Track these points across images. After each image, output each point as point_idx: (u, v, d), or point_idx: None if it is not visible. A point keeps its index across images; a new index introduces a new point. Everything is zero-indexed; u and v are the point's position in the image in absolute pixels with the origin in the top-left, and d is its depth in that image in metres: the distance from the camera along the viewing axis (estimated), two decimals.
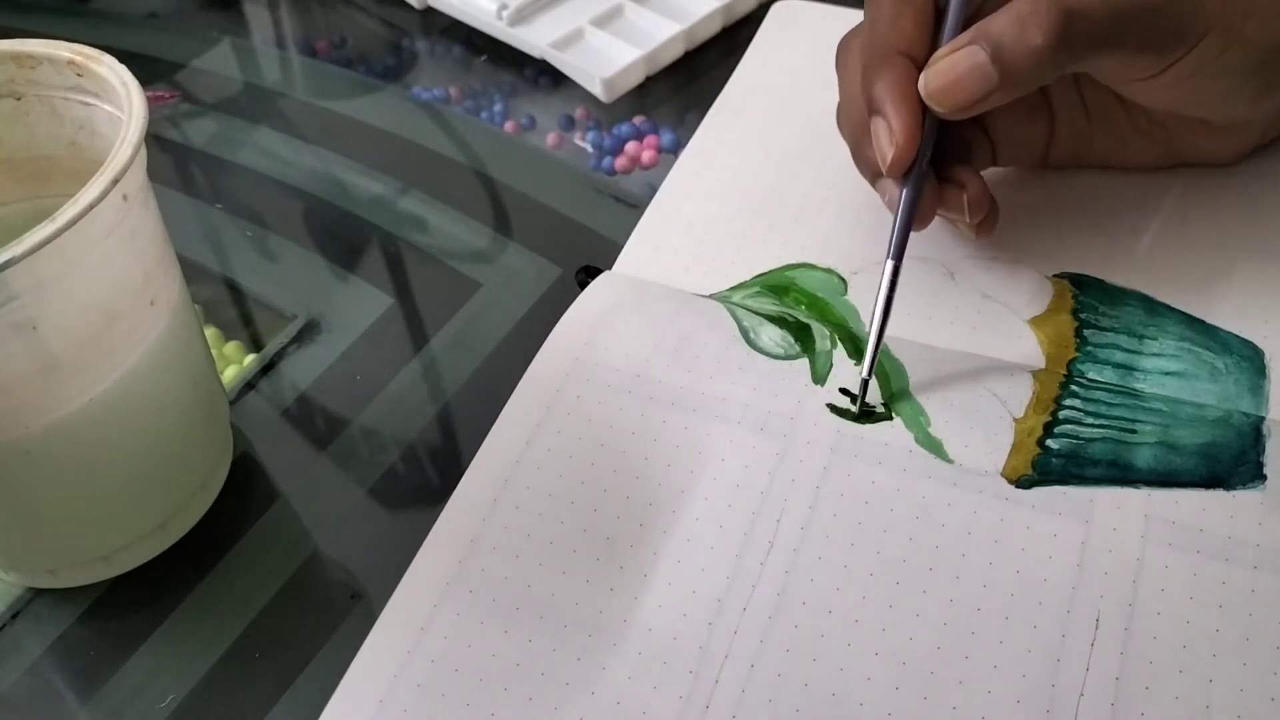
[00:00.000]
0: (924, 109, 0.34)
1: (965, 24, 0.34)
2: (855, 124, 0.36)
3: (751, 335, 0.36)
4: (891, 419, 0.34)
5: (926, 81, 0.33)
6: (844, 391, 0.34)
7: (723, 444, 0.34)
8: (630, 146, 0.47)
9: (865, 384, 0.34)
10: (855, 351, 0.36)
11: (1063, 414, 0.33)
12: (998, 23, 0.32)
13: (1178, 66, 0.33)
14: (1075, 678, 0.28)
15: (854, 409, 0.34)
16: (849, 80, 0.37)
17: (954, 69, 0.33)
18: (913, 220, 0.34)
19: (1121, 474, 0.32)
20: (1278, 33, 0.33)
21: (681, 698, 0.29)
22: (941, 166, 0.36)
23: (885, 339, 0.36)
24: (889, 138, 0.34)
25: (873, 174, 0.36)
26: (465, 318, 0.40)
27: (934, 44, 0.35)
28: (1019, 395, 0.34)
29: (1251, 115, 0.37)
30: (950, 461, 0.33)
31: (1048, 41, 0.32)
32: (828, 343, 0.36)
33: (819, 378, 0.35)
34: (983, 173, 0.37)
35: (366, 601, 0.32)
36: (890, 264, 0.34)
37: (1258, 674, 0.28)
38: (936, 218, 0.36)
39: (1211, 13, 0.32)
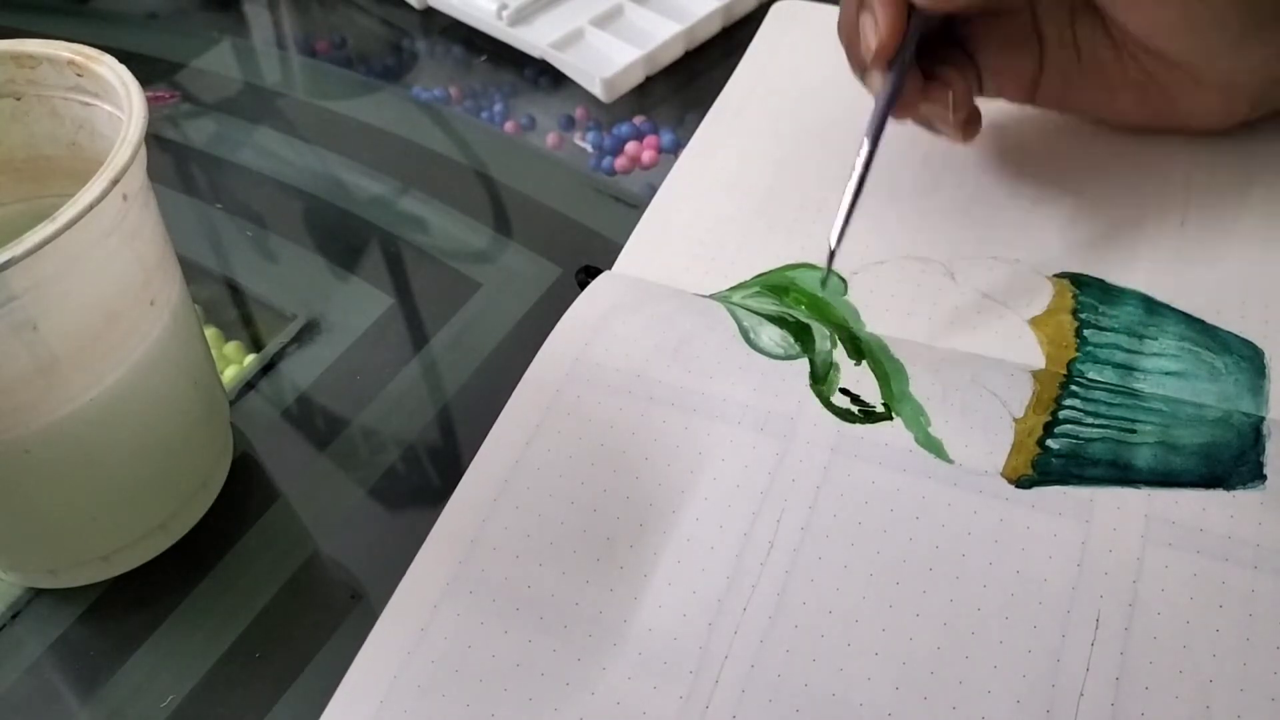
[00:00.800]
0: (909, 10, 0.36)
1: None
2: (849, 25, 0.38)
3: (751, 335, 0.36)
4: (891, 419, 0.34)
5: None
6: (844, 392, 0.34)
7: (723, 444, 0.34)
8: (630, 146, 0.47)
9: (832, 253, 0.36)
10: (855, 351, 0.36)
11: (1063, 414, 0.33)
12: None
13: None
14: (1075, 678, 0.28)
15: (854, 410, 0.34)
16: None
17: None
18: (892, 105, 0.37)
19: (1121, 474, 0.32)
20: None
21: (681, 698, 0.29)
22: (929, 71, 0.38)
23: (885, 339, 0.36)
24: (874, 29, 0.36)
25: (861, 70, 0.38)
26: (465, 318, 0.40)
27: None
28: (1019, 395, 0.34)
29: (1236, 66, 0.37)
30: (950, 461, 0.33)
31: None
32: (828, 343, 0.36)
33: (819, 378, 0.35)
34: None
35: (366, 601, 0.32)
36: (866, 143, 0.36)
37: (1258, 674, 0.28)
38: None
39: None
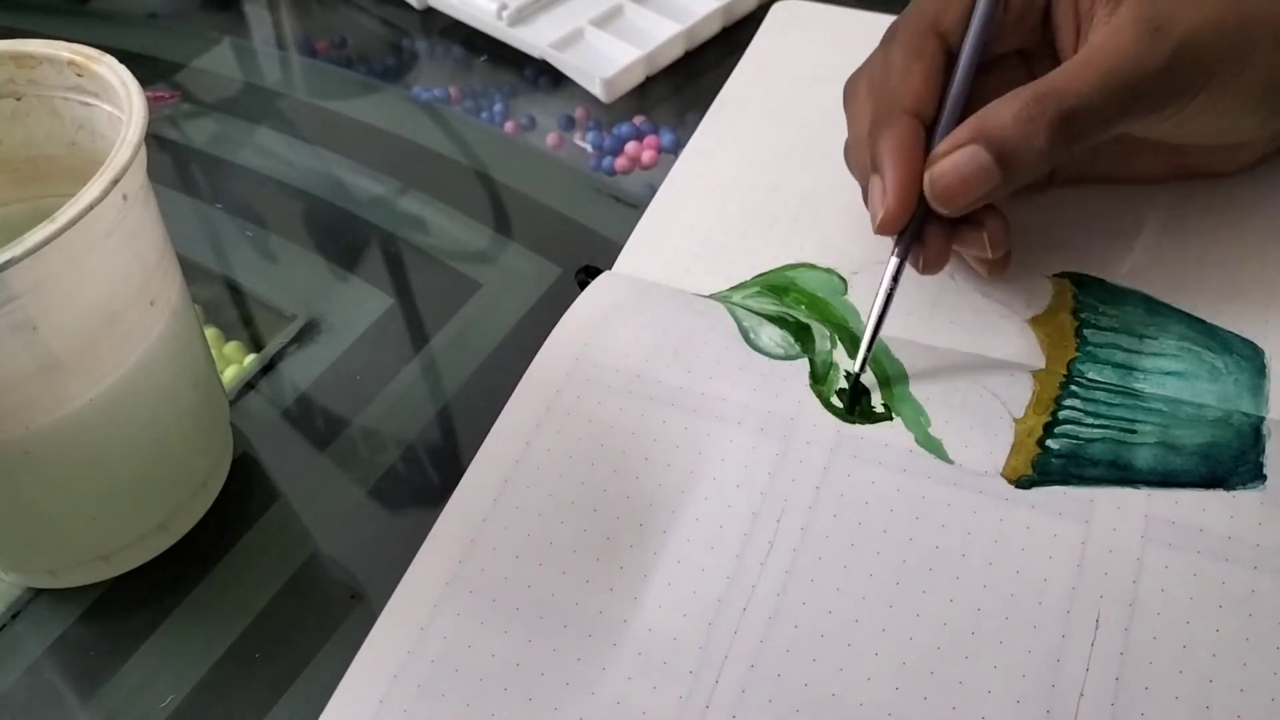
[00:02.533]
0: (922, 171, 0.33)
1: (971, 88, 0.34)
2: (864, 170, 0.36)
3: (751, 335, 0.36)
4: (891, 419, 0.34)
5: (931, 183, 0.33)
6: (841, 393, 0.34)
7: (723, 444, 0.34)
8: (630, 146, 0.47)
9: (857, 376, 0.34)
10: (855, 352, 0.36)
11: (1063, 414, 0.33)
12: (998, 122, 0.32)
13: (1196, 102, 0.33)
14: (1075, 678, 0.28)
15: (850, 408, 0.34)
16: (857, 123, 0.36)
17: (957, 171, 0.32)
18: (896, 286, 0.34)
19: (1121, 474, 0.32)
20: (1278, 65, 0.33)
21: (681, 698, 0.29)
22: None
23: (885, 339, 0.36)
24: (882, 199, 0.33)
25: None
26: (465, 318, 0.40)
27: (943, 99, 0.34)
28: (1019, 395, 0.34)
29: (1259, 135, 0.37)
30: (950, 461, 0.33)
31: (1051, 141, 0.32)
32: (828, 343, 0.36)
33: (819, 378, 0.35)
34: None
35: (366, 601, 0.32)
36: (889, 284, 0.34)
37: (1258, 674, 0.28)
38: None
39: (1212, 59, 0.32)
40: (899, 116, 0.34)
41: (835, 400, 0.34)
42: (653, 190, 0.43)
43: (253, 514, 0.35)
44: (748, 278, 0.39)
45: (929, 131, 0.34)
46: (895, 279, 0.34)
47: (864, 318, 0.37)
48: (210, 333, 0.42)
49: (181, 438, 0.33)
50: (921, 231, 0.34)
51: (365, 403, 0.37)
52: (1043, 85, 0.32)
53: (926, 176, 0.33)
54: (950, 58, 0.35)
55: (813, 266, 0.39)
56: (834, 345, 0.36)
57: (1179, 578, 0.30)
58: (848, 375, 0.35)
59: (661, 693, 0.29)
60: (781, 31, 0.50)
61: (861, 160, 0.36)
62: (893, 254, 0.34)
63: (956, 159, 0.32)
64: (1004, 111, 0.32)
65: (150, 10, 0.58)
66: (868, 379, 0.35)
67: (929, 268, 0.35)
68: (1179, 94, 0.33)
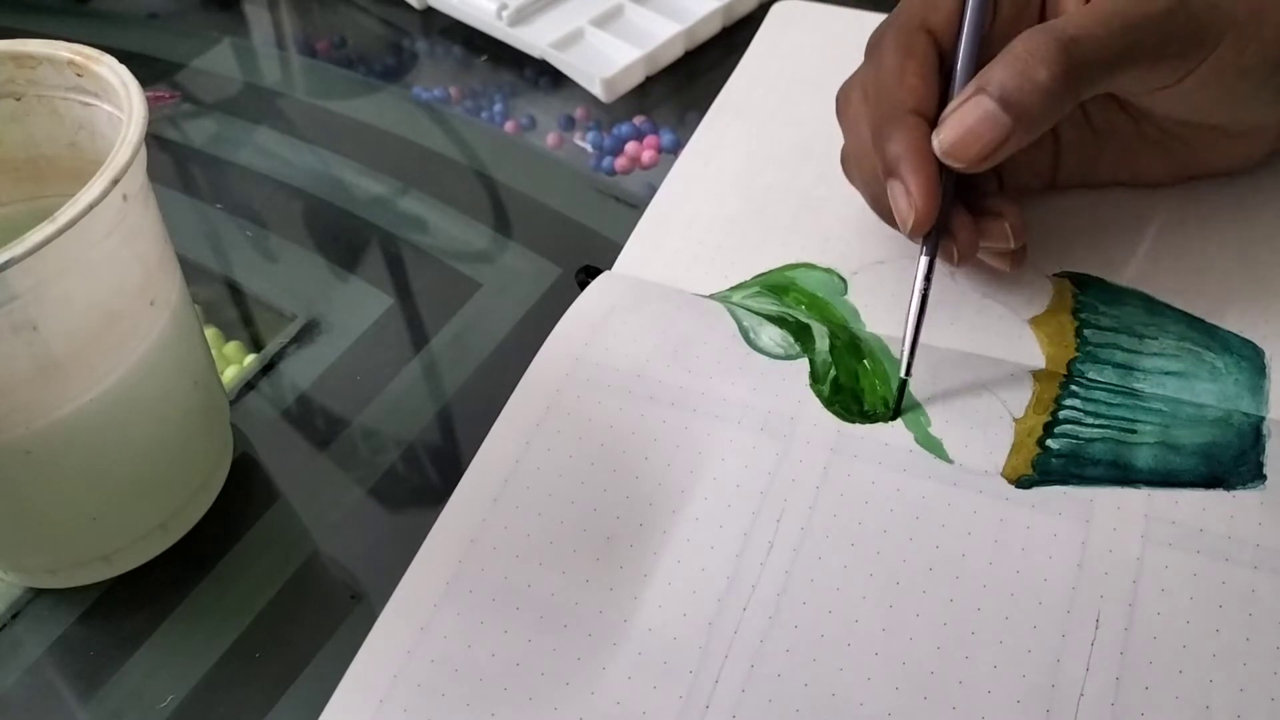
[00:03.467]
0: (940, 167, 0.33)
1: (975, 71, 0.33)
2: (870, 178, 0.35)
3: (751, 335, 0.36)
4: (891, 419, 0.34)
5: (940, 141, 0.32)
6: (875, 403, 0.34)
7: (723, 444, 0.34)
8: (630, 146, 0.47)
9: (904, 383, 0.33)
10: (854, 351, 0.36)
11: (1063, 414, 0.33)
12: (998, 68, 0.32)
13: (1199, 71, 0.32)
14: (1075, 678, 0.28)
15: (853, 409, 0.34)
16: (856, 132, 0.36)
17: (963, 122, 0.32)
18: (929, 286, 0.34)
19: (1121, 474, 0.32)
20: None
21: (681, 698, 0.29)
22: (972, 201, 0.35)
23: (884, 338, 0.36)
24: (908, 201, 0.33)
25: (896, 222, 0.35)
26: (465, 318, 0.40)
27: (944, 97, 0.34)
28: (1019, 395, 0.34)
29: (1268, 119, 0.36)
30: (950, 461, 0.33)
31: (1054, 75, 0.31)
32: (827, 343, 0.36)
33: (819, 378, 0.35)
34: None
35: (366, 601, 0.32)
36: (921, 285, 0.34)
37: (1258, 674, 0.28)
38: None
39: (1226, 12, 0.31)
40: (904, 118, 0.33)
41: (880, 407, 0.34)
42: (653, 190, 0.43)
43: (253, 514, 0.35)
44: (748, 278, 0.39)
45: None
46: (928, 278, 0.34)
47: (864, 318, 0.37)
48: (210, 333, 0.42)
49: (181, 438, 0.33)
50: (949, 224, 0.34)
51: (365, 403, 0.37)
52: (1043, 25, 0.32)
53: (935, 136, 0.33)
54: (942, 57, 0.34)
55: (813, 266, 0.39)
56: (834, 345, 0.36)
57: (1179, 578, 0.30)
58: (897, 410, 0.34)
59: (661, 693, 0.29)
60: (781, 31, 0.50)
61: (866, 169, 0.35)
62: (921, 253, 0.34)
63: (961, 112, 0.32)
64: (1001, 57, 0.32)
65: (150, 10, 0.58)
66: (868, 379, 0.35)
67: (963, 259, 0.35)
68: (1192, 42, 0.32)
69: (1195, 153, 0.38)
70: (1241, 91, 0.34)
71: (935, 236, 0.34)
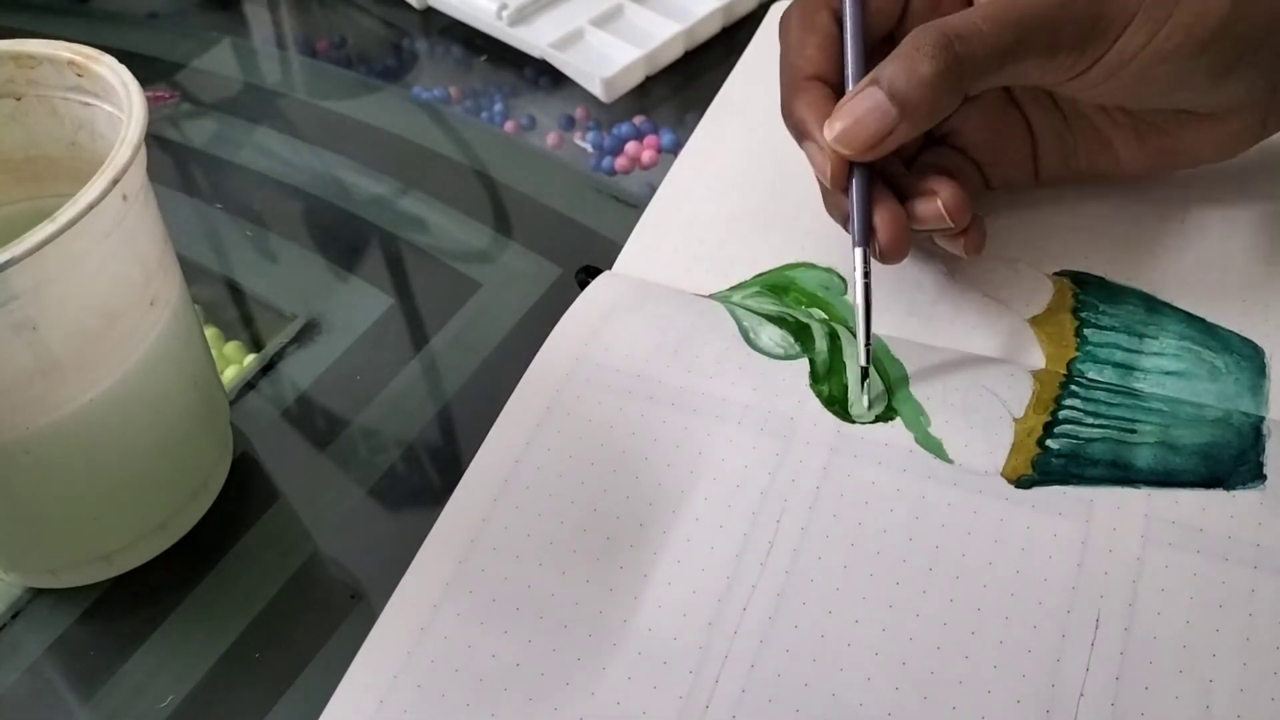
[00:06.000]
0: None
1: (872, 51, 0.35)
2: (789, 128, 0.36)
3: (751, 335, 0.36)
4: (891, 419, 0.34)
5: (830, 129, 0.34)
6: (839, 398, 0.34)
7: (723, 444, 0.34)
8: (630, 146, 0.47)
9: (865, 373, 0.34)
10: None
11: (1063, 414, 0.33)
12: (890, 61, 0.33)
13: (1105, 60, 0.33)
14: (1075, 678, 0.28)
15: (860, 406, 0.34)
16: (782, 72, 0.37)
17: (853, 112, 0.33)
18: (868, 204, 0.34)
19: (1121, 474, 0.32)
20: (1217, 11, 0.32)
21: (681, 698, 0.29)
22: (912, 188, 0.35)
23: (884, 339, 0.36)
24: (822, 157, 0.34)
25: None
26: (465, 318, 0.40)
27: (841, 69, 0.36)
28: (1019, 395, 0.34)
29: (1227, 102, 0.35)
30: (950, 461, 0.33)
31: (936, 69, 0.32)
32: (827, 342, 0.36)
33: (819, 378, 0.35)
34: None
35: (366, 601, 0.32)
36: (861, 278, 0.34)
37: (1258, 674, 0.28)
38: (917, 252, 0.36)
39: (1123, 3, 0.32)
40: (805, 84, 0.35)
41: (857, 405, 0.34)
42: (653, 190, 0.43)
43: (253, 514, 0.35)
44: (748, 278, 0.39)
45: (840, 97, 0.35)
46: (866, 272, 0.34)
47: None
48: (210, 333, 0.42)
49: (181, 438, 0.33)
50: (871, 220, 0.34)
51: (365, 403, 0.37)
52: (936, 20, 0.33)
53: (826, 125, 0.34)
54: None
55: (813, 266, 0.39)
56: (834, 345, 0.36)
57: (1179, 578, 0.30)
58: (864, 370, 0.34)
59: (661, 693, 0.29)
60: None
61: (788, 106, 0.36)
62: (854, 246, 0.34)
63: (854, 103, 0.33)
64: (896, 50, 0.33)
65: (150, 10, 0.58)
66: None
67: (887, 257, 0.34)
68: (1089, 33, 0.32)
69: (1170, 140, 0.37)
70: (1164, 76, 0.33)
71: (861, 228, 0.34)
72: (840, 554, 0.31)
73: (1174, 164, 0.38)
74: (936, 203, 0.34)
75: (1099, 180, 0.40)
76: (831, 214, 0.37)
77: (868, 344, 0.34)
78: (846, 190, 0.35)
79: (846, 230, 0.35)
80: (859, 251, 0.34)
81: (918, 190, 0.35)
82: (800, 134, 0.35)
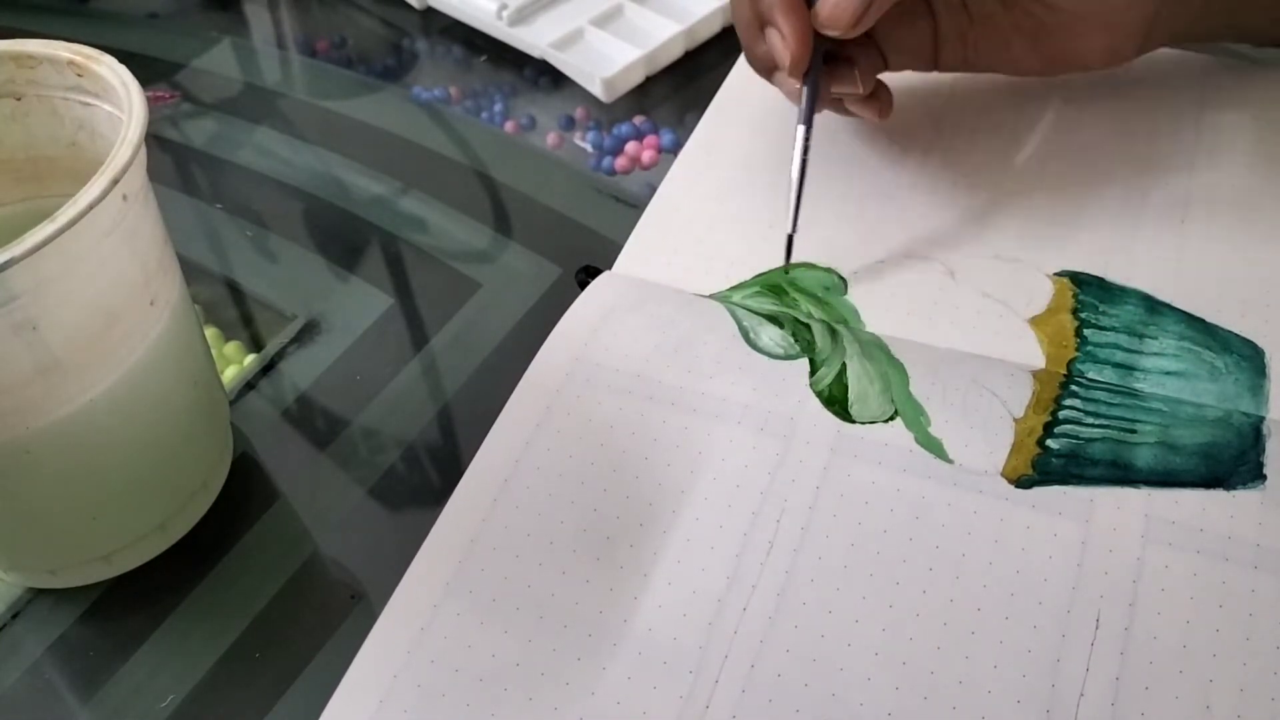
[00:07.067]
0: (809, 12, 0.37)
1: None
2: (744, 26, 0.39)
3: (751, 335, 0.36)
4: (891, 419, 0.34)
5: (817, 14, 0.36)
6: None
7: (723, 444, 0.34)
8: (630, 146, 0.47)
9: (790, 238, 0.38)
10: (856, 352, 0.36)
11: (1063, 414, 0.33)
12: None
13: None
14: (1075, 678, 0.28)
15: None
16: None
17: None
18: (815, 101, 0.38)
19: (1121, 474, 0.32)
20: None
21: (681, 698, 0.29)
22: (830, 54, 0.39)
23: (885, 339, 0.36)
24: (783, 44, 0.37)
25: (766, 70, 0.40)
26: (465, 318, 0.40)
27: None
28: (1019, 395, 0.34)
29: (1114, 5, 0.39)
30: (950, 461, 0.33)
31: None
32: (827, 343, 0.36)
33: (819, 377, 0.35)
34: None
35: (366, 601, 0.32)
36: (801, 130, 0.38)
37: (1258, 674, 0.28)
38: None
39: None
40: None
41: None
42: (653, 190, 0.43)
43: (253, 514, 0.35)
44: (748, 278, 0.39)
45: None
46: (806, 149, 0.38)
47: (864, 317, 0.37)
48: (210, 333, 0.42)
49: (181, 438, 0.33)
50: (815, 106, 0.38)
51: (365, 403, 0.37)
52: None
53: (813, 15, 0.36)
54: None
55: (813, 266, 0.39)
56: (835, 345, 0.36)
57: (1179, 578, 0.30)
58: (787, 269, 0.38)
59: (661, 693, 0.29)
60: None
61: (742, 17, 0.39)
62: (798, 123, 0.38)
63: None
64: None
65: (150, 10, 0.58)
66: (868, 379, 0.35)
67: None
68: None
69: (1062, 44, 0.40)
70: None
71: (814, 78, 0.38)
72: (840, 554, 0.31)
73: (1065, 67, 0.41)
74: (853, 70, 0.39)
75: (988, 74, 0.42)
76: (752, 64, 0.40)
77: (796, 212, 0.38)
78: (803, 80, 0.38)
79: (764, 78, 0.40)
80: (801, 129, 0.38)
81: (838, 56, 0.39)
82: (765, 20, 0.38)
